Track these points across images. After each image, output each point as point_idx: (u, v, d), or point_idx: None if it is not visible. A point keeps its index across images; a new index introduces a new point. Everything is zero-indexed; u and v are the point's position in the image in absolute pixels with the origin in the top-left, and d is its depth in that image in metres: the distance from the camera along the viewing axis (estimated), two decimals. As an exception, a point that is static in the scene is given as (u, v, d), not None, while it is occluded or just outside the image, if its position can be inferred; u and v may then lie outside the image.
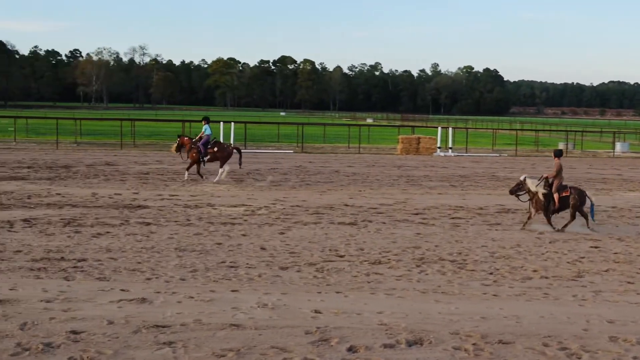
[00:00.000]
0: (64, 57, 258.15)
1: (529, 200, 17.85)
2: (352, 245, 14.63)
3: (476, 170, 33.83)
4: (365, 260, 13.14)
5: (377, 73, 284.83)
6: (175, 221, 16.92)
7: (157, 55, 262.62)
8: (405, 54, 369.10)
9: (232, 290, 10.69)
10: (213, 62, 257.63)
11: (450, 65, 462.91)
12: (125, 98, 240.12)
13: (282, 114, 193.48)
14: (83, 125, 56.87)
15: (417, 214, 19.23)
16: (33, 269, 11.72)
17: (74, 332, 8.49)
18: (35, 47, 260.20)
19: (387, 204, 21.12)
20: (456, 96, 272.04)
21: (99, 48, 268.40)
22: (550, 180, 17.63)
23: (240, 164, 26.47)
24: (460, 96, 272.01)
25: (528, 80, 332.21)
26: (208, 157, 25.88)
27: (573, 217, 17.42)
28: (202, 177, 25.94)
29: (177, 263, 12.45)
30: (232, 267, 12.30)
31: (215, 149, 25.97)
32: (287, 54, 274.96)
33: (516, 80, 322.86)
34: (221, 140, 27.66)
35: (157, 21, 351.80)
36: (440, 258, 13.61)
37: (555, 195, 17.45)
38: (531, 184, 17.73)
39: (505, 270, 12.77)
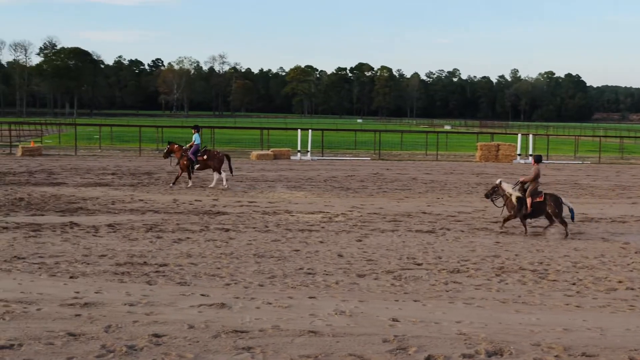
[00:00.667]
0: (146, 67, 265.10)
1: (504, 205, 17.99)
2: (430, 253, 14.50)
3: (557, 178, 33.05)
4: (444, 269, 13.00)
5: (455, 79, 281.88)
6: (254, 228, 17.11)
7: (236, 63, 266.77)
8: (484, 59, 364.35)
9: (310, 297, 10.74)
10: (291, 69, 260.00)
11: (530, 70, 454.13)
12: (205, 106, 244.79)
13: (359, 121, 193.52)
14: (164, 133, 58.16)
15: (496, 222, 18.92)
16: (117, 273, 12.05)
17: (156, 336, 8.68)
18: (120, 57, 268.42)
19: (465, 212, 20.86)
20: (536, 102, 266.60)
21: (180, 57, 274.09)
22: (525, 185, 17.67)
23: (231, 171, 26.58)
24: (541, 102, 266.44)
25: (612, 86, 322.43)
26: (198, 165, 26.21)
27: (560, 221, 17.28)
28: (190, 182, 26.18)
29: (255, 269, 12.58)
30: (309, 273, 12.36)
31: (205, 156, 26.24)
32: (364, 61, 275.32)
33: (599, 85, 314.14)
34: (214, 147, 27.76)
35: (236, 30, 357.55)
36: (521, 267, 13.34)
37: (529, 200, 17.46)
38: (507, 187, 17.91)
39: (589, 280, 12.43)
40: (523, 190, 17.64)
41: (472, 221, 19.05)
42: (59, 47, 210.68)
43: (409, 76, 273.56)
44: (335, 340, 8.72)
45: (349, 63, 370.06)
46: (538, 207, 17.44)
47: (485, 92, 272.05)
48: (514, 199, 17.63)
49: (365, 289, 11.37)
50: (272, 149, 45.10)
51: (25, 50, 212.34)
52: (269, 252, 14.17)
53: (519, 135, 47.66)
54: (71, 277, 11.62)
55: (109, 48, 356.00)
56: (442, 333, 9.10)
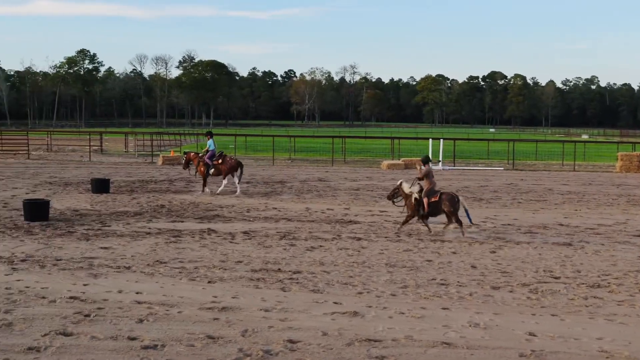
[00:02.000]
0: (279, 78, 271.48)
1: (405, 205, 18.36)
2: (568, 266, 14.00)
3: None
4: (583, 283, 12.52)
5: (593, 87, 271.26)
6: (386, 237, 17.13)
7: (366, 73, 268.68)
8: (624, 65, 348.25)
9: (443, 308, 10.63)
10: (421, 79, 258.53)
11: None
12: (336, 115, 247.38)
13: (492, 130, 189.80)
14: (297, 143, 59.30)
15: (639, 235, 18.04)
16: (253, 279, 12.37)
17: (291, 341, 8.84)
18: (254, 68, 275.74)
19: (605, 224, 20.01)
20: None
21: (312, 68, 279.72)
22: (426, 186, 18.06)
23: (239, 179, 26.27)
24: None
25: None
26: (213, 169, 26.19)
27: (458, 221, 17.58)
28: (205, 189, 26.30)
29: (387, 278, 12.59)
30: (442, 284, 12.23)
31: (220, 161, 26.23)
32: (496, 69, 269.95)
33: None
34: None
35: (367, 41, 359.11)
36: (667, 284, 12.65)
37: (425, 200, 17.80)
38: (406, 187, 18.31)
39: None
40: (422, 190, 18.09)
41: (613, 234, 18.25)
42: (196, 60, 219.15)
43: (543, 84, 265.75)
44: (469, 352, 8.58)
45: (481, 71, 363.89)
46: (435, 206, 17.80)
47: (627, 99, 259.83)
48: (412, 199, 18.07)
49: (499, 302, 11.13)
50: (402, 159, 44.99)
51: (166, 63, 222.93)
52: (401, 261, 14.14)
53: (664, 145, 45.21)
54: (209, 282, 12.04)
55: (243, 60, 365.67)
56: (581, 349, 8.77)
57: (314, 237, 16.97)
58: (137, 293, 11.13)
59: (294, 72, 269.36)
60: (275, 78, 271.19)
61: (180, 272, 12.76)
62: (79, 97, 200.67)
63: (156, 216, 20.14)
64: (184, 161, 28.11)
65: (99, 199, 24.20)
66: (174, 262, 13.67)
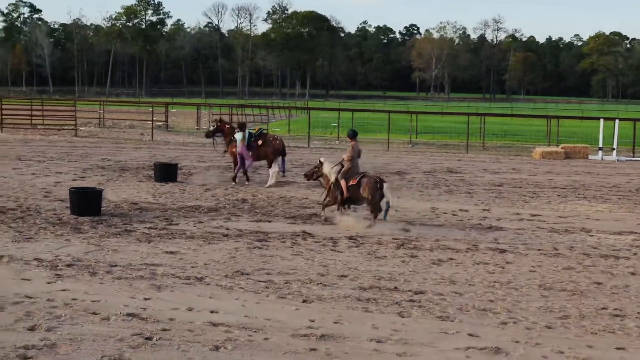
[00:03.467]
0: (397, 35, 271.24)
1: (326, 187, 20.01)
2: None
3: None
4: None
5: None
6: (539, 249, 16.90)
7: (515, 30, 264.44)
8: None
9: (617, 348, 10.41)
10: (590, 38, 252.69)
11: None
12: (473, 86, 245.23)
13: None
14: (420, 121, 59.10)
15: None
16: (361, 299, 12.43)
17: (411, 383, 8.85)
18: (364, 22, 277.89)
19: None
20: None
21: (441, 23, 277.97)
22: (345, 165, 19.57)
23: (283, 170, 26.67)
24: None
25: None
26: (250, 157, 26.12)
27: (375, 210, 19.02)
28: (235, 180, 26.38)
29: (541, 305, 12.41)
30: (616, 315, 11.97)
31: (260, 142, 26.16)
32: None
33: None
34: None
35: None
36: None
37: (342, 183, 19.31)
38: (327, 168, 19.97)
39: None
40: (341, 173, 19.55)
41: None
42: (290, 11, 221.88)
43: None
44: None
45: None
46: (353, 191, 19.23)
47: None
48: (331, 182, 19.64)
49: (697, 343, 10.79)
50: (562, 145, 44.15)
51: (250, 15, 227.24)
52: (559, 283, 13.92)
53: None
54: (304, 301, 12.18)
55: (351, 12, 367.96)
56: None
57: (441, 246, 16.90)
58: (211, 312, 11.38)
59: (417, 28, 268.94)
60: (392, 36, 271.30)
61: (266, 287, 12.96)
62: (139, 58, 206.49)
63: (236, 213, 20.51)
64: (211, 128, 28.44)
65: (163, 189, 24.85)
66: (258, 274, 13.89)
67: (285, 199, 23.33)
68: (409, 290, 13.04)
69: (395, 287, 13.22)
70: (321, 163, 20.57)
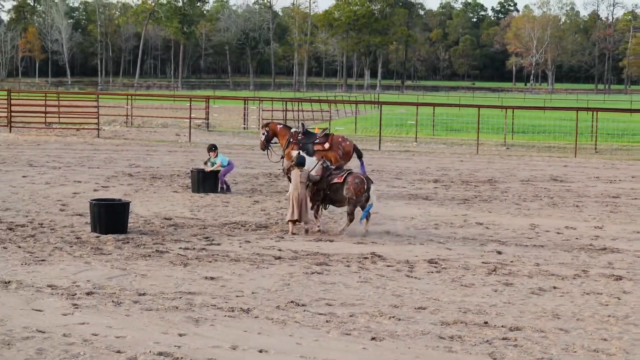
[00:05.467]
0: (489, 12, 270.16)
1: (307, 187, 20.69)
2: None
3: None
4: None
5: None
6: (665, 277, 16.68)
7: (635, 6, 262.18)
8: None
9: None
10: None
11: None
12: (582, 75, 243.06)
13: None
14: (517, 118, 58.65)
15: None
16: (443, 336, 12.35)
17: None
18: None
19: None
20: None
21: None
22: (323, 162, 20.87)
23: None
24: None
25: None
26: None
27: (351, 214, 20.30)
28: None
29: (667, 345, 12.24)
30: None
31: (327, 145, 25.70)
32: None
33: None
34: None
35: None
36: None
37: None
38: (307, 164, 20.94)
39: None
40: (324, 169, 20.68)
41: None
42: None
43: None
44: None
45: None
46: (335, 191, 20.33)
47: None
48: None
49: None
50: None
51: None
52: (690, 318, 13.71)
53: None
54: (373, 339, 12.13)
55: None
56: None
57: (542, 272, 16.75)
58: (259, 351, 11.42)
59: (514, 4, 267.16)
60: (482, 13, 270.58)
61: (327, 322, 12.95)
62: (174, 43, 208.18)
63: (286, 229, 20.51)
64: (263, 136, 27.69)
65: (203, 201, 25.02)
66: (317, 305, 13.89)
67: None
68: (502, 326, 12.93)
69: (486, 322, 13.12)
70: (301, 155, 21.17)
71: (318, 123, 59.80)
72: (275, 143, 27.85)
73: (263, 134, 27.75)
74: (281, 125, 28.00)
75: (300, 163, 20.58)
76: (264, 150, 28.14)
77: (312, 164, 21.30)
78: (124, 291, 14.43)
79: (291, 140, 26.50)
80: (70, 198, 24.82)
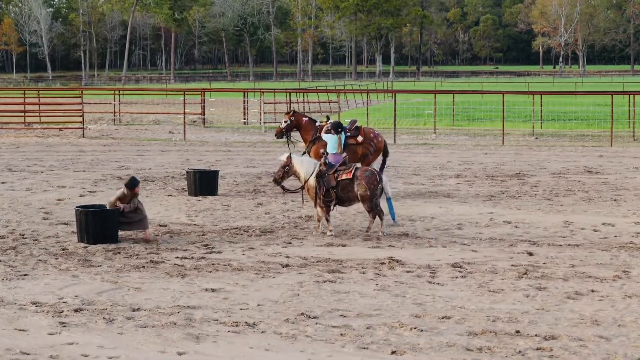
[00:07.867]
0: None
1: (301, 188, 20.99)
2: None
3: None
4: None
5: None
6: None
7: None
8: None
9: None
10: None
11: None
12: (617, 56, 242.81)
13: None
14: (545, 105, 58.57)
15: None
16: (470, 348, 12.32)
17: None
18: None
19: None
20: None
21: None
22: (326, 157, 20.80)
23: (381, 169, 24.75)
24: None
25: None
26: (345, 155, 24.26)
27: (373, 212, 20.32)
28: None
29: None
30: None
31: (359, 139, 25.49)
32: None
33: None
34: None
35: None
36: None
37: (331, 177, 20.17)
38: (299, 165, 20.60)
39: None
40: (326, 166, 20.50)
41: None
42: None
43: None
44: None
45: None
46: (345, 188, 20.16)
47: None
48: (312, 181, 20.32)
49: None
50: None
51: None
52: None
53: None
54: (393, 353, 12.12)
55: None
56: None
57: (579, 274, 16.73)
58: (268, 370, 11.38)
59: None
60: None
61: (341, 335, 12.93)
62: (165, 32, 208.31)
63: (298, 235, 20.55)
64: (285, 124, 26.92)
65: (200, 205, 25.04)
66: (330, 317, 13.87)
67: (364, 214, 23.19)
68: (535, 335, 12.90)
69: (517, 332, 13.09)
70: (288, 160, 20.78)
71: (329, 114, 59.59)
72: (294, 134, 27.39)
73: (285, 121, 27.07)
74: (307, 119, 27.36)
75: (329, 164, 20.63)
76: (278, 137, 27.93)
77: (312, 164, 20.88)
78: (116, 307, 14.41)
79: (317, 136, 25.84)
80: (54, 205, 24.83)
